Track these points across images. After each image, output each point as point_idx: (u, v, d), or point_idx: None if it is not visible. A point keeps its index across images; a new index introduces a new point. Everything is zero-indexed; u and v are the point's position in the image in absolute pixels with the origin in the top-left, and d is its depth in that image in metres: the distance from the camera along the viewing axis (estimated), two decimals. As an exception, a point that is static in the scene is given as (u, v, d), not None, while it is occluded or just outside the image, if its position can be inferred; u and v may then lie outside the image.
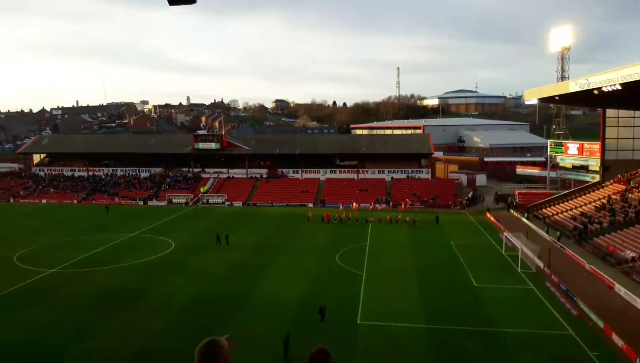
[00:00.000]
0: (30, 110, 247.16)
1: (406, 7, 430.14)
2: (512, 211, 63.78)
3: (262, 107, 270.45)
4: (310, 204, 71.09)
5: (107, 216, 63.41)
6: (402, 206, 67.84)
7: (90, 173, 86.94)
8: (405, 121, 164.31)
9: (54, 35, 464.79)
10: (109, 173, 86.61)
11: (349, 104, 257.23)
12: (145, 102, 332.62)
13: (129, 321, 28.85)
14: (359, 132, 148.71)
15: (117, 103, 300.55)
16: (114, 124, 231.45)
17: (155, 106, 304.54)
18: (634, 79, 34.71)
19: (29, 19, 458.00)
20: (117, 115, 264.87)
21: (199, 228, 55.99)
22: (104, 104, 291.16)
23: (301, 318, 28.70)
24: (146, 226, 56.60)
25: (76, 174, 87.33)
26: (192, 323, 28.21)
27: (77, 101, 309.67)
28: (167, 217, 62.87)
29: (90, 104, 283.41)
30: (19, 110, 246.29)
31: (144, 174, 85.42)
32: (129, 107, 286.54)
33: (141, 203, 74.82)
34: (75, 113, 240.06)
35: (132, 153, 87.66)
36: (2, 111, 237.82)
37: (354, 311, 29.94)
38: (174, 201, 74.70)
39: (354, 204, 67.73)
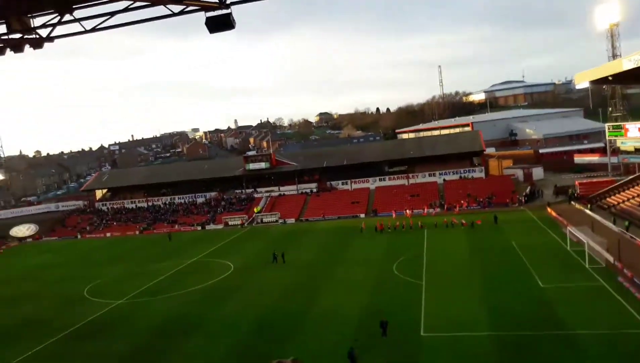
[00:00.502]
0: (90, 148, 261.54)
1: (437, 3, 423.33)
2: (574, 204, 60.88)
3: (306, 122, 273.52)
4: (362, 215, 70.84)
5: (170, 244, 65.76)
6: (457, 208, 66.29)
7: (150, 203, 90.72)
8: (452, 119, 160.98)
9: (105, 74, 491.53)
10: (167, 202, 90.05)
11: (392, 109, 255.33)
12: (196, 130, 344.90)
13: (194, 348, 29.59)
14: (405, 136, 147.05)
15: (169, 133, 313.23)
16: (168, 154, 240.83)
17: (205, 133, 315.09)
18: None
19: (82, 61, 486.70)
20: (170, 145, 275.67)
21: (255, 248, 57.08)
22: (158, 135, 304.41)
23: (362, 332, 28.49)
24: (205, 251, 58.30)
25: (137, 205, 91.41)
26: (256, 346, 28.66)
27: (132, 135, 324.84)
28: (225, 240, 64.48)
29: (144, 137, 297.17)
30: (80, 149, 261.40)
31: (200, 200, 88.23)
32: (181, 136, 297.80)
33: (199, 228, 77.20)
34: (131, 147, 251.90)
35: (188, 180, 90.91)
36: (65, 152, 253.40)
37: (417, 323, 29.39)
38: (230, 223, 76.59)
39: (407, 211, 66.85)
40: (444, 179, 77.06)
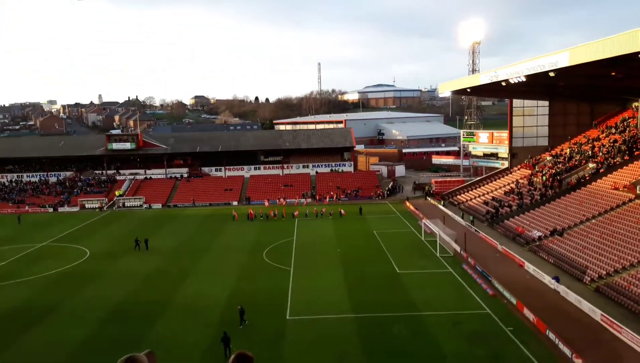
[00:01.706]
0: None
1: (325, 2, 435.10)
2: (429, 199, 66.57)
3: (180, 104, 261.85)
4: (235, 203, 69.83)
5: (18, 227, 57.98)
6: (327, 199, 68.56)
7: (-9, 180, 79.55)
8: (327, 115, 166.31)
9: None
10: (13, 180, 79.73)
11: (271, 100, 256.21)
12: (53, 102, 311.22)
13: (44, 336, 26.87)
14: (282, 127, 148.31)
15: (21, 103, 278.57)
16: (17, 127, 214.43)
17: (64, 106, 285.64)
18: (537, 71, 37.33)
19: None
20: (21, 116, 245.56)
21: (115, 233, 53.05)
22: (6, 105, 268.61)
23: (228, 319, 27.99)
24: (57, 235, 52.75)
25: (-27, 182, 79.50)
26: (113, 335, 26.70)
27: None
28: (80, 224, 58.97)
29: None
30: None
31: (53, 179, 79.56)
32: (35, 107, 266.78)
33: (51, 209, 69.63)
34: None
35: (39, 157, 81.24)
36: None
37: (284, 307, 29.78)
38: (87, 206, 70.23)
39: (282, 200, 67.43)
40: (317, 172, 79.19)
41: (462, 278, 34.48)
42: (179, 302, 31.56)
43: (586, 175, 49.65)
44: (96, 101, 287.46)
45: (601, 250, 34.99)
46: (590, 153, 54.19)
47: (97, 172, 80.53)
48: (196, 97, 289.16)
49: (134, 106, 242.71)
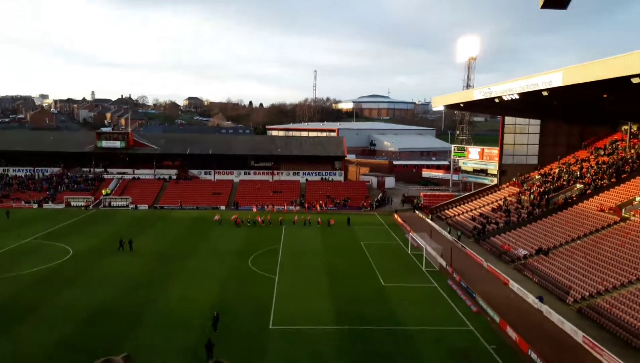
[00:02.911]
0: None
1: (325, 10, 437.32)
2: (417, 213, 66.69)
3: (173, 105, 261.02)
4: (223, 207, 69.38)
5: (6, 222, 56.80)
6: (317, 207, 68.40)
7: (-24, 173, 78.37)
8: (321, 123, 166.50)
9: None
10: (-2, 173, 78.65)
11: (265, 105, 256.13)
12: (44, 97, 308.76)
13: (22, 336, 26.28)
14: (275, 133, 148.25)
15: (12, 96, 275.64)
16: (7, 119, 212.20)
17: (55, 101, 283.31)
18: (530, 90, 37.58)
19: None
20: (11, 109, 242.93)
21: (100, 233, 52.37)
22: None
23: (209, 326, 27.62)
24: (41, 232, 51.97)
25: (-42, 173, 78.25)
26: (92, 337, 26.25)
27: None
28: (65, 221, 58.19)
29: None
30: None
31: (40, 175, 78.56)
32: (26, 101, 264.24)
33: (36, 206, 68.67)
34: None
35: (27, 151, 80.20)
36: None
37: (267, 317, 29.49)
38: (72, 203, 69.36)
39: (272, 207, 67.16)
40: (307, 179, 79.05)
41: (447, 293, 34.44)
42: (161, 306, 31.13)
43: (573, 196, 50.06)
44: (89, 98, 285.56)
45: (585, 271, 35.18)
46: (578, 173, 54.68)
47: (85, 169, 79.70)
48: (190, 98, 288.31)
49: (127, 104, 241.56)
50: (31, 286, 34.46)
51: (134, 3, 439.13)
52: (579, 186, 51.05)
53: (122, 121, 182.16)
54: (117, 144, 79.10)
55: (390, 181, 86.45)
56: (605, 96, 38.12)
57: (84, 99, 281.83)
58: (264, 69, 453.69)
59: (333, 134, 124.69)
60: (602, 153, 58.21)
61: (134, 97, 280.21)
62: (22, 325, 27.75)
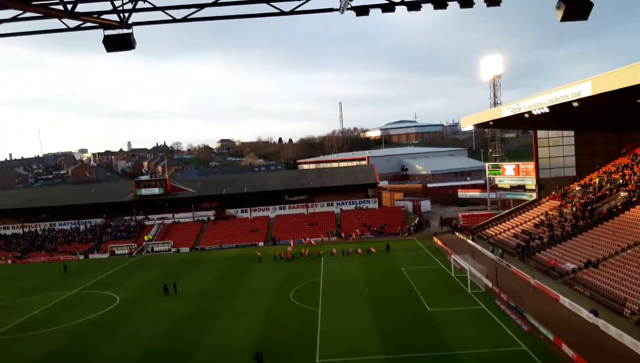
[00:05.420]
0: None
1: (343, 43, 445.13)
2: (457, 234, 65.53)
3: (206, 148, 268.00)
4: (261, 243, 70.05)
5: (54, 275, 58.71)
6: (353, 236, 68.14)
7: (26, 229, 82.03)
8: (350, 153, 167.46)
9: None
10: (46, 228, 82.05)
11: (294, 140, 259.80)
12: (84, 151, 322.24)
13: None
14: (305, 166, 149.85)
15: (54, 153, 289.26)
16: (51, 176, 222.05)
17: (94, 154, 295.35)
18: (559, 102, 37.16)
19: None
20: (54, 166, 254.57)
21: (144, 279, 53.62)
22: (40, 155, 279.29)
23: None
24: (88, 282, 53.62)
25: (9, 232, 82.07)
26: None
27: (10, 154, 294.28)
28: (110, 270, 59.90)
29: (24, 156, 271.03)
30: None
31: (84, 227, 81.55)
32: (67, 156, 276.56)
33: (82, 257, 71.09)
34: (8, 167, 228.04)
35: (71, 205, 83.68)
36: None
37: (312, 350, 29.32)
38: (116, 252, 71.49)
39: (310, 240, 67.23)
40: (341, 209, 79.18)
41: (495, 314, 33.48)
42: (208, 345, 31.42)
43: (618, 204, 48.33)
44: (125, 148, 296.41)
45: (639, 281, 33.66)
46: (621, 181, 52.90)
47: (126, 218, 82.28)
48: (222, 140, 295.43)
49: (162, 151, 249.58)
50: (83, 334, 35.41)
51: (161, 58, 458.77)
52: (623, 194, 49.31)
53: (159, 168, 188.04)
54: (156, 190, 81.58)
55: (426, 205, 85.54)
56: (638, 101, 37.28)
57: (120, 150, 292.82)
58: (290, 106, 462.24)
59: (363, 162, 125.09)
60: (643, 157, 56.25)
61: (168, 144, 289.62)
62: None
